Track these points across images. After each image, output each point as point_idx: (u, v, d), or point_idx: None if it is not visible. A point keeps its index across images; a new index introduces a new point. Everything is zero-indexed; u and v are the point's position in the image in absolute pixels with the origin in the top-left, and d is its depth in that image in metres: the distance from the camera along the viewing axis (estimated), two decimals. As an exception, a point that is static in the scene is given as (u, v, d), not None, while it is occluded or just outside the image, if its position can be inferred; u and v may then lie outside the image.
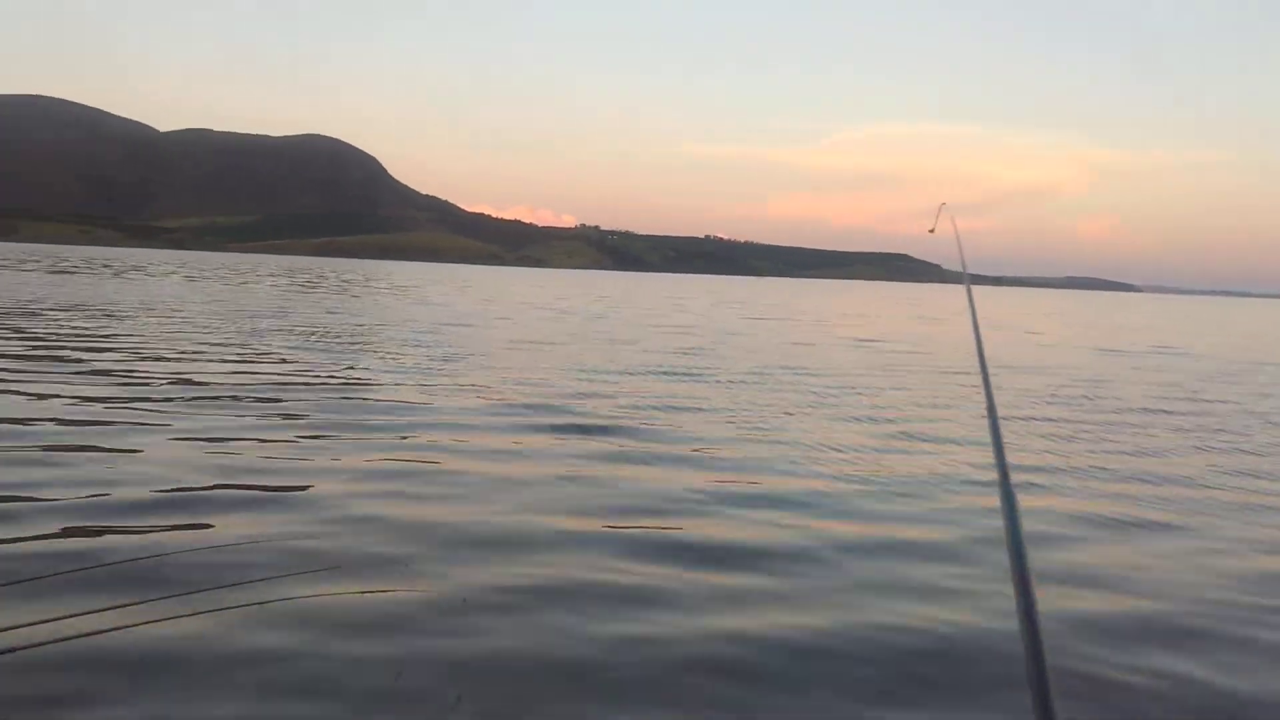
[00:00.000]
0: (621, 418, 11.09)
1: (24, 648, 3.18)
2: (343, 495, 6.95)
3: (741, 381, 15.56)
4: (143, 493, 6.71)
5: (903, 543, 6.39)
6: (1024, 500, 5.66)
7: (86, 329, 19.26)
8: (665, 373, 16.27)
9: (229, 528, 5.99)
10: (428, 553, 5.65)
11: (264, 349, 16.95)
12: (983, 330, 2.44)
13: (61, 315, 22.41)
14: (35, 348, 15.46)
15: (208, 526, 6.02)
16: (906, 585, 5.48)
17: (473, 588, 5.05)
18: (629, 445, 9.50)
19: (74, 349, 15.44)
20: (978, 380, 2.10)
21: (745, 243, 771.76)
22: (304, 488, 7.12)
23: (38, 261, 74.07)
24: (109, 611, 3.15)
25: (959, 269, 3.24)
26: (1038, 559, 5.60)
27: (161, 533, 5.80)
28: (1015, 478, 1.60)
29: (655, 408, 12.06)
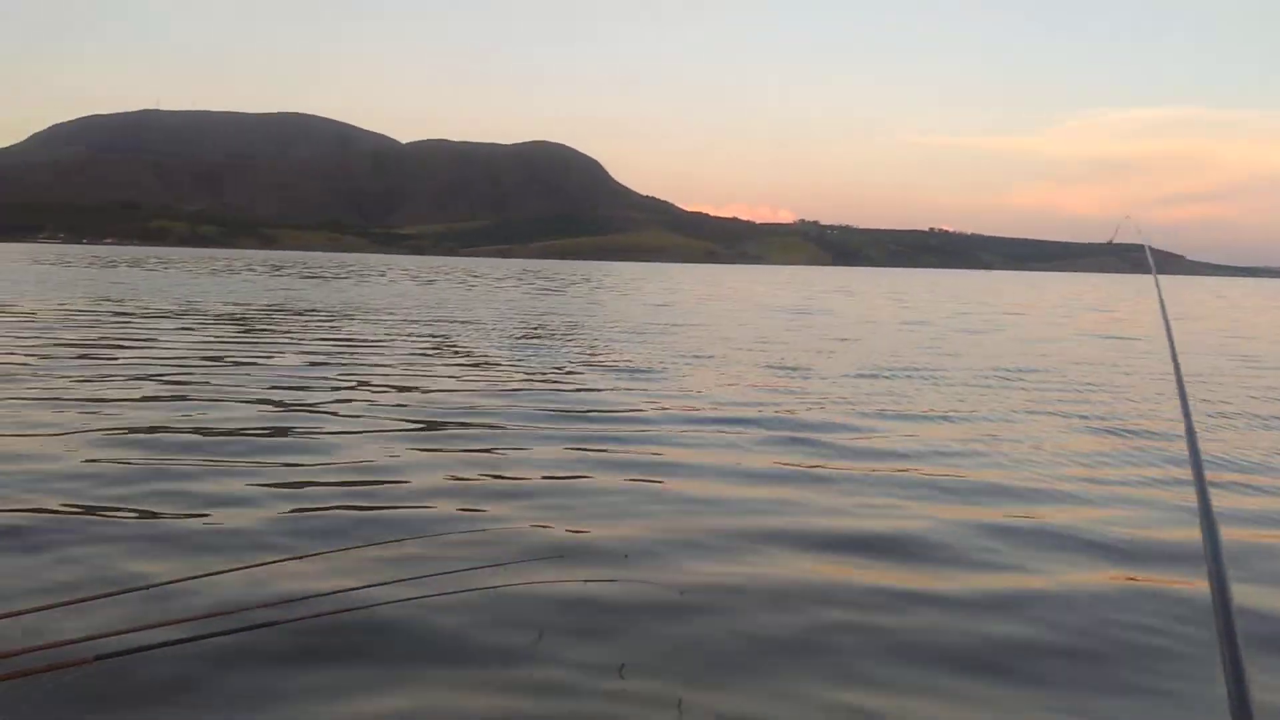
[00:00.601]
0: (840, 422, 10.82)
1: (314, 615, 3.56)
2: (556, 490, 7.30)
3: (978, 383, 14.88)
4: (404, 482, 7.32)
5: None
6: None
7: (326, 331, 20.73)
8: (886, 374, 15.81)
9: (472, 517, 6.44)
10: (649, 549, 5.84)
11: (476, 348, 17.68)
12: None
13: (314, 316, 24.24)
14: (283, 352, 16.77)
15: (462, 514, 6.49)
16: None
17: (687, 584, 5.17)
18: (839, 457, 9.07)
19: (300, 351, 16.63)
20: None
21: (972, 235, 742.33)
22: (523, 479, 7.50)
23: (290, 268, 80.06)
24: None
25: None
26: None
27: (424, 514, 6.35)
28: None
29: (871, 413, 11.77)
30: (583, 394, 12.44)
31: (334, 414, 10.44)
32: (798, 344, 21.03)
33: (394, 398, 11.75)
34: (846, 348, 20.44)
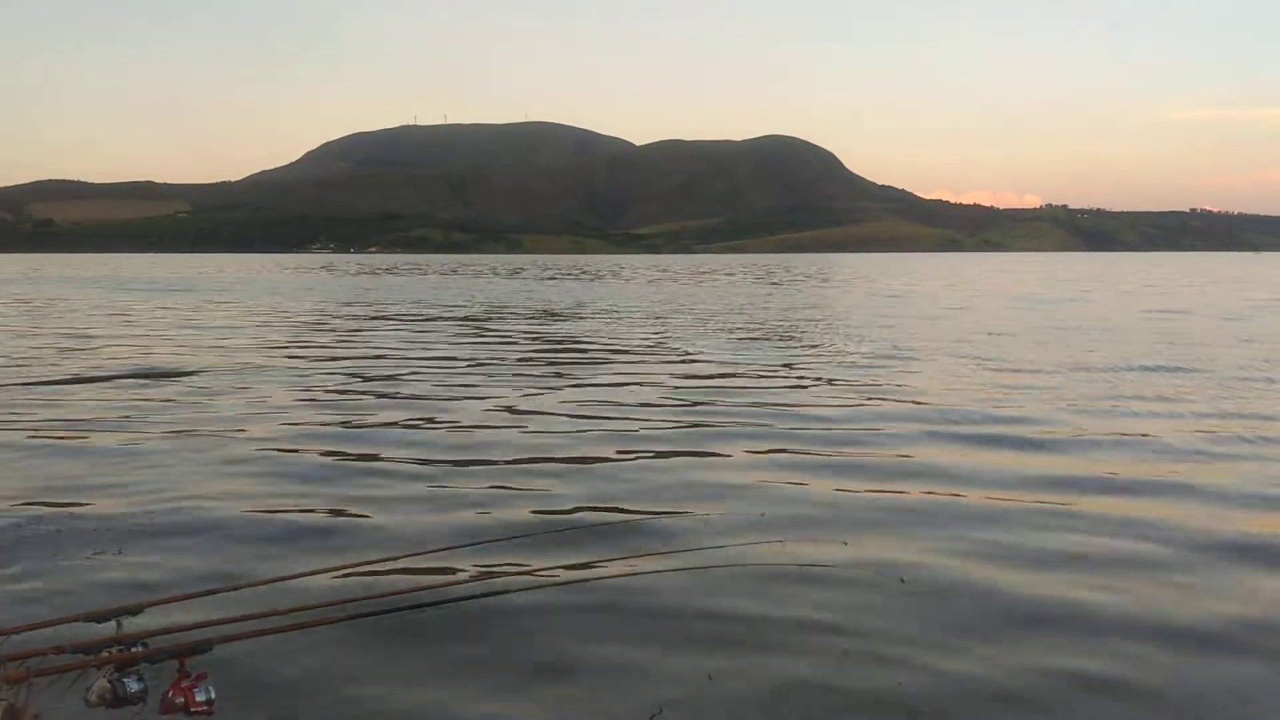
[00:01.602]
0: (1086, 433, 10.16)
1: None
2: (773, 483, 7.74)
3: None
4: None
5: None
6: None
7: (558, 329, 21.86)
8: (1144, 369, 14.87)
9: (693, 508, 6.93)
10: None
11: (690, 345, 18.22)
12: None
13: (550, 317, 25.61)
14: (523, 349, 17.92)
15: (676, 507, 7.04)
16: None
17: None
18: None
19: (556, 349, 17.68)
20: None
21: (1238, 214, 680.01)
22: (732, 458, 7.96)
23: (527, 270, 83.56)
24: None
25: None
26: None
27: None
28: None
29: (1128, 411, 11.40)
30: (796, 392, 12.72)
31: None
32: (1064, 339, 20.36)
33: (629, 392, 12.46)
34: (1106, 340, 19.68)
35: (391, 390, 12.52)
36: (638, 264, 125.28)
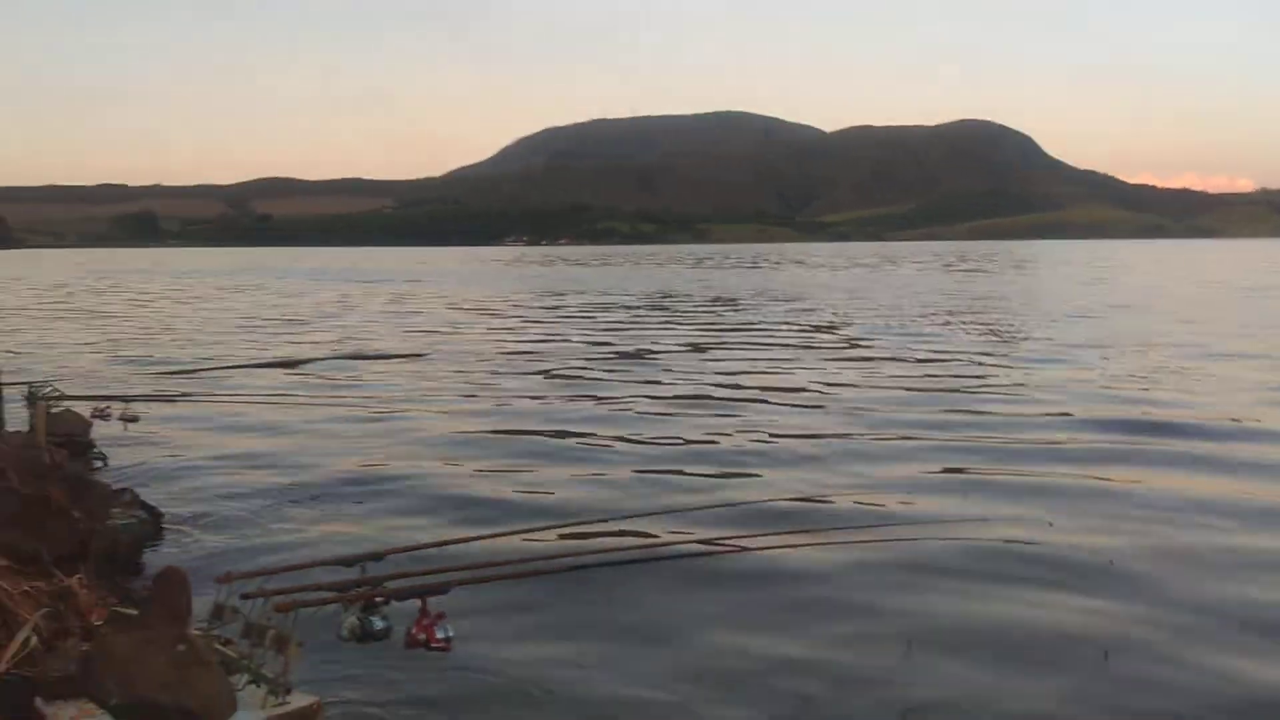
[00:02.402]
0: None
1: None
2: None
3: None
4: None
5: None
6: None
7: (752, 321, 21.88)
8: None
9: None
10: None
11: (865, 336, 17.85)
12: None
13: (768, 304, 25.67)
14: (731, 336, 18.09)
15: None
16: None
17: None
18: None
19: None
20: None
21: None
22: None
23: (710, 260, 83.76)
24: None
25: None
26: None
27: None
28: None
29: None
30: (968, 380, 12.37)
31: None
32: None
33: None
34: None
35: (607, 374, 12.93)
36: (824, 252, 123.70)
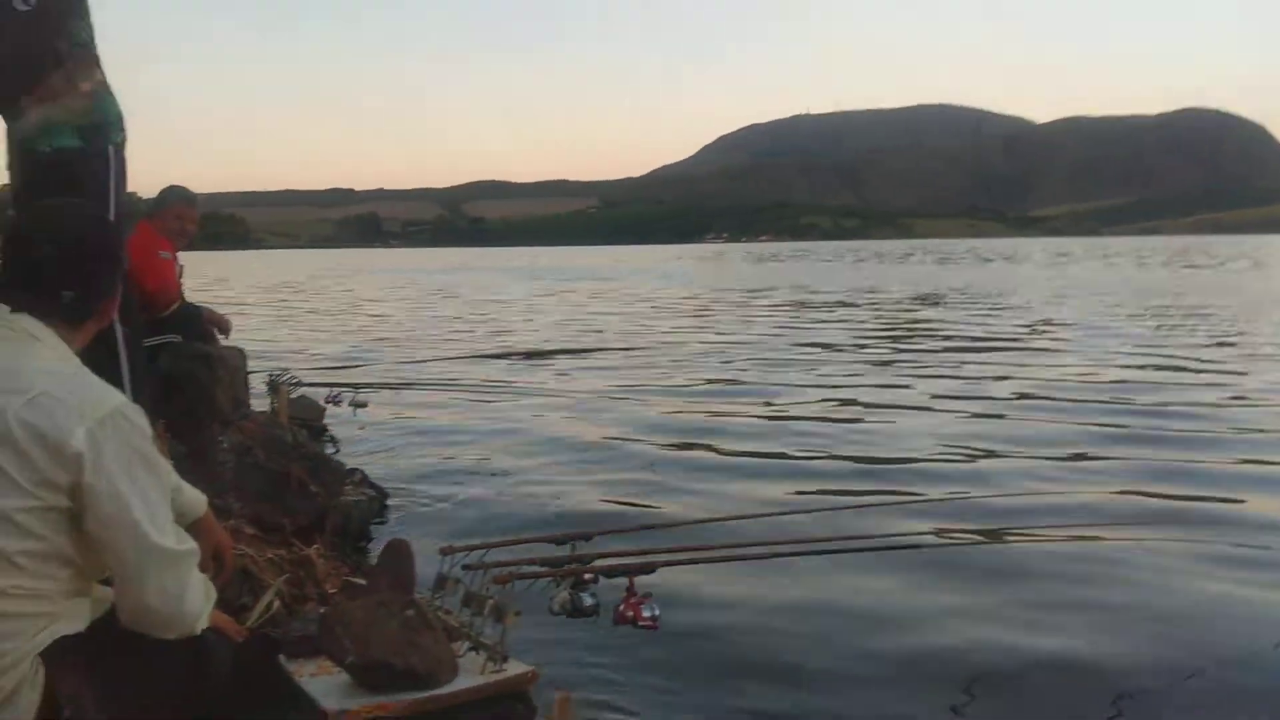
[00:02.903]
0: None
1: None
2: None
3: None
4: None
5: None
6: None
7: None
8: None
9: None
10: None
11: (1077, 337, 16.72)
12: None
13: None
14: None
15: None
16: None
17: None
18: None
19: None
20: None
21: None
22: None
23: (914, 256, 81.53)
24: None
25: None
26: None
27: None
28: None
29: None
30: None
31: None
32: None
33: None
34: None
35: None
36: (1035, 247, 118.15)
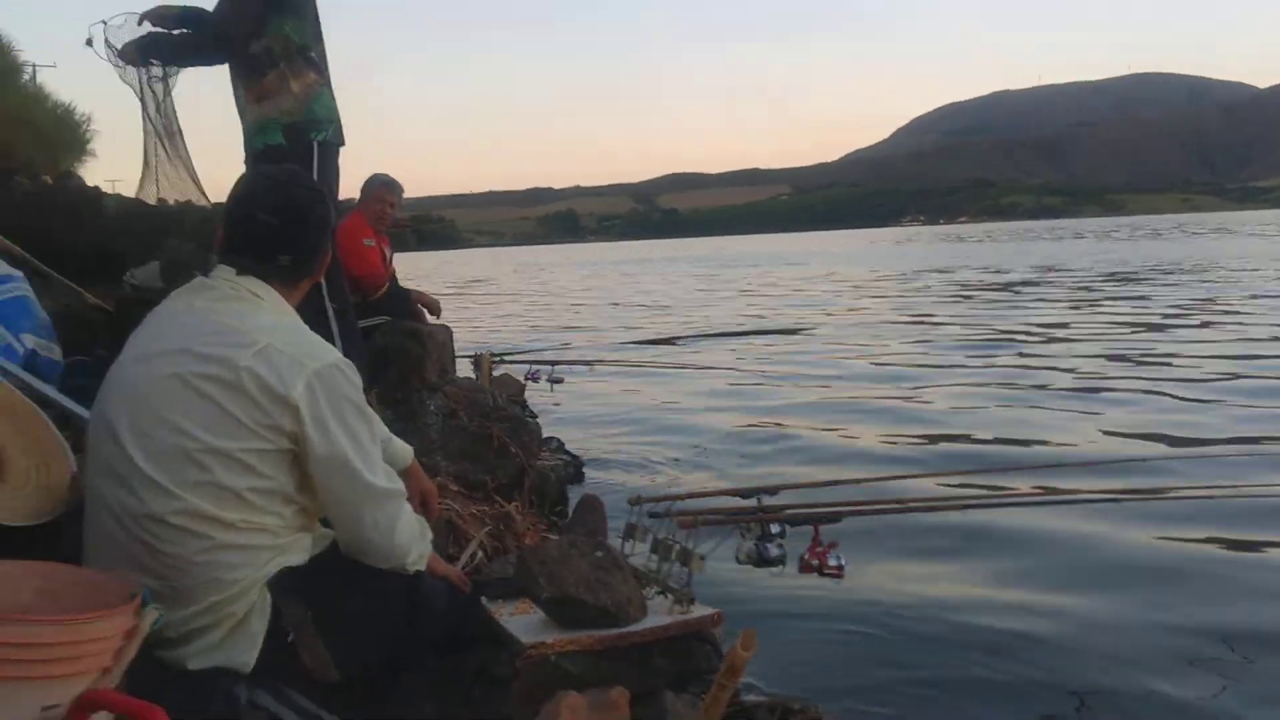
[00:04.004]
0: None
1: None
2: None
3: None
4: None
5: None
6: None
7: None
8: None
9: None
10: None
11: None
12: None
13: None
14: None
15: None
16: None
17: None
18: None
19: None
20: None
21: None
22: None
23: (1117, 232, 76.78)
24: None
25: None
26: None
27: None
28: None
29: None
30: None
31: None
32: None
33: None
34: None
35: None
36: (1259, 220, 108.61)
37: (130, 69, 4.13)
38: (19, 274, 3.61)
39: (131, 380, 2.12)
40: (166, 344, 2.13)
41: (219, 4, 4.06)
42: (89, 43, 4.05)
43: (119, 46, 4.09)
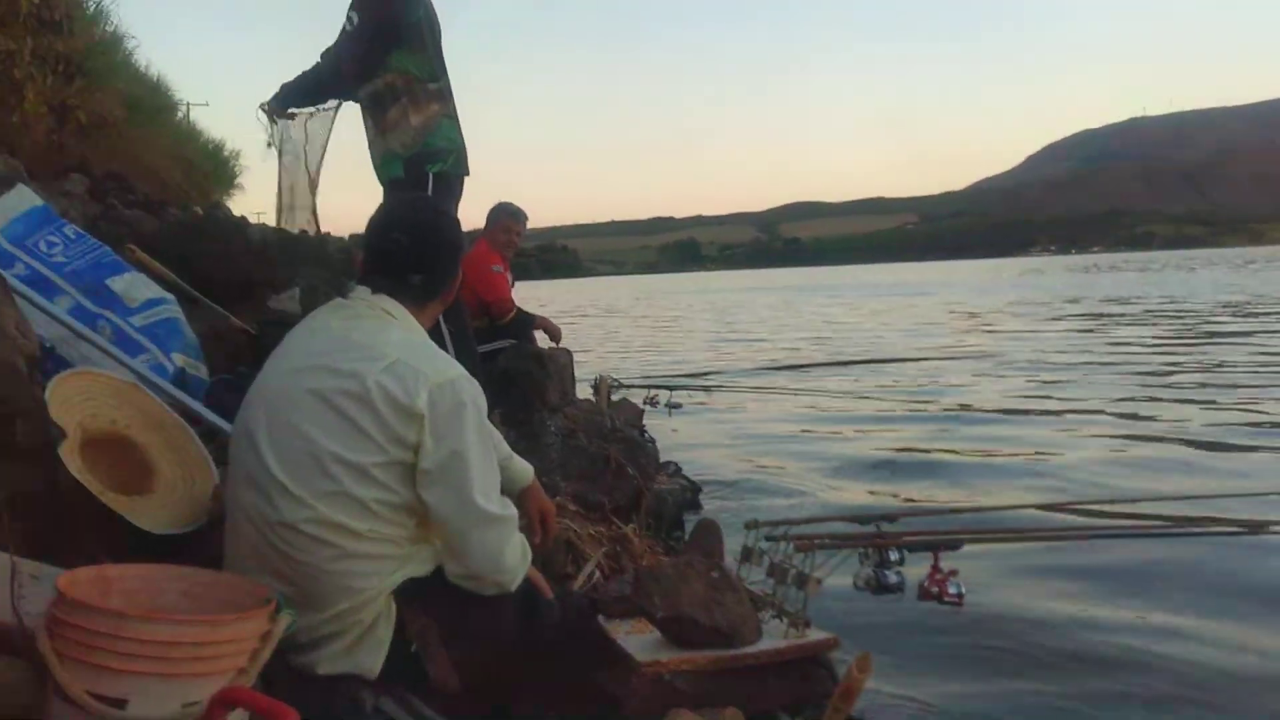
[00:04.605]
0: None
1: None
2: None
3: None
4: None
5: None
6: None
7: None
8: None
9: None
10: None
11: None
12: None
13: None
14: None
15: None
16: None
17: None
18: None
19: None
20: None
21: None
22: None
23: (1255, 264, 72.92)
24: None
25: None
26: None
27: None
28: None
29: None
30: None
31: None
32: None
33: None
34: None
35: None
36: None
37: (277, 123, 4.40)
38: (171, 297, 3.82)
39: (271, 395, 2.23)
40: (304, 360, 2.23)
41: (339, 40, 4.23)
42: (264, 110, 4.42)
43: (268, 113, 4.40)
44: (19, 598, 1.81)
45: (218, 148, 13.85)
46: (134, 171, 9.39)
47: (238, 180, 13.48)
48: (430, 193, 4.07)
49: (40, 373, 2.71)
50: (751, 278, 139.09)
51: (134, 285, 3.65)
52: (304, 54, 4.48)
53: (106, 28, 11.35)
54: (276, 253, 5.32)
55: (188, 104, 14.41)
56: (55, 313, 3.16)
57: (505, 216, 6.49)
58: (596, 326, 29.30)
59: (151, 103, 12.20)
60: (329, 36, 4.29)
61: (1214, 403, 9.80)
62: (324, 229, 5.03)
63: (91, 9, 10.72)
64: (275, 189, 4.57)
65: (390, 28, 4.05)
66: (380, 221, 2.47)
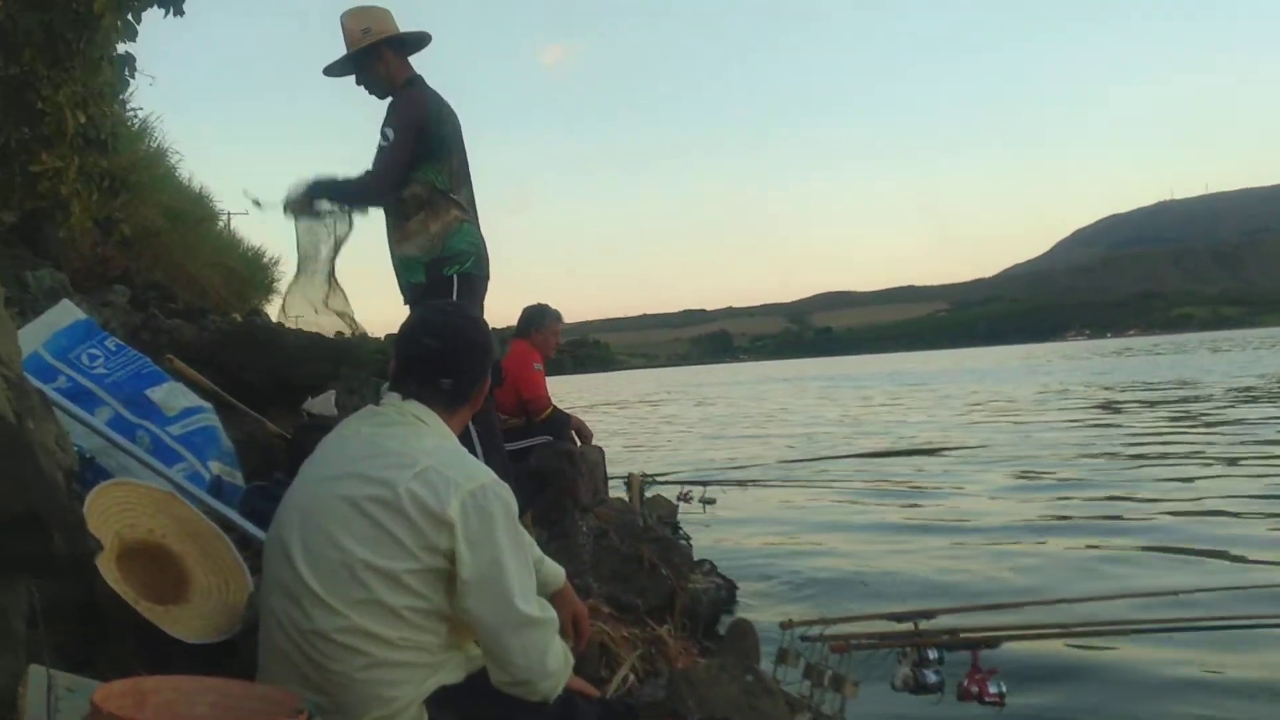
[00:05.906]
0: None
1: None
2: None
3: None
4: None
5: None
6: None
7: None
8: None
9: None
10: None
11: None
12: None
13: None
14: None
15: None
16: None
17: None
18: None
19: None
20: None
21: None
22: None
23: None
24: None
25: None
26: None
27: None
28: None
29: None
30: None
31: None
32: None
33: None
34: None
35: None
36: None
37: (301, 219, 4.43)
38: (208, 405, 3.89)
39: (304, 503, 2.25)
40: (336, 468, 2.26)
41: (377, 157, 4.30)
42: (256, 203, 4.43)
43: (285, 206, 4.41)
44: (55, 711, 1.82)
45: (257, 255, 14.19)
46: (176, 279, 9.63)
47: (276, 285, 13.77)
48: (454, 294, 4.15)
49: (80, 483, 2.76)
50: (784, 367, 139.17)
51: (172, 394, 3.73)
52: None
53: (150, 144, 11.76)
54: (313, 354, 5.39)
55: (229, 213, 14.81)
56: (95, 424, 3.23)
57: (556, 320, 6.79)
58: (629, 421, 29.29)
59: (193, 213, 12.55)
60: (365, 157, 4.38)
61: (1262, 492, 9.62)
62: (360, 330, 5.08)
63: (136, 126, 11.12)
64: (292, 274, 4.59)
65: (420, 140, 4.18)
66: (410, 327, 2.52)
